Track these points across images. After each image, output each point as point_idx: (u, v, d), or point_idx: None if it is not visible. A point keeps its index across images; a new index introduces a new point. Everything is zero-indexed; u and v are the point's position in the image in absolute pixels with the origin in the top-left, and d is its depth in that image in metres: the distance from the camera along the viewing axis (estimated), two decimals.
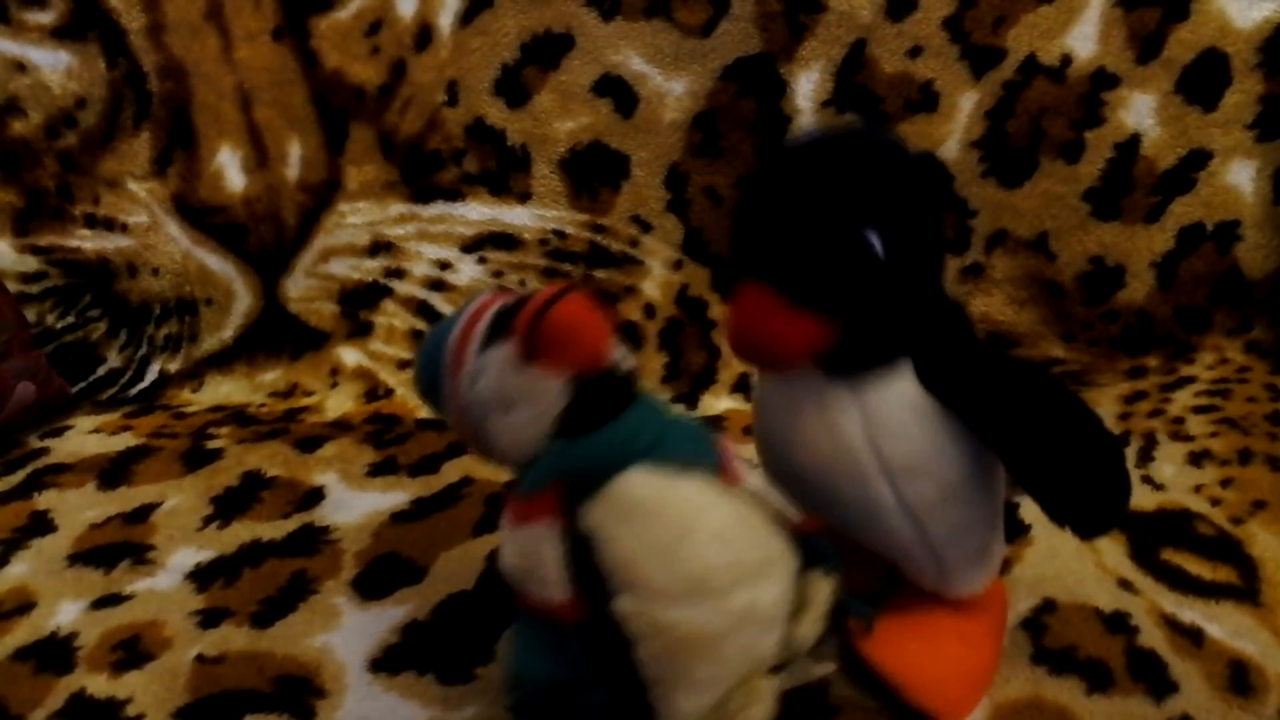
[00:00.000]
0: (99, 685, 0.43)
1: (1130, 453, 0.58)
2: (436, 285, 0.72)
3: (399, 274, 0.73)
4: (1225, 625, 0.43)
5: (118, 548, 0.53)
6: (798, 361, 0.33)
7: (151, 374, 0.75)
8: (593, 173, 0.70)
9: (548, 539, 0.32)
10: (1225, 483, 0.54)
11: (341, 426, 0.67)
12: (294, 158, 0.71)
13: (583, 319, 0.32)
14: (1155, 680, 0.40)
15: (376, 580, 0.49)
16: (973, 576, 0.38)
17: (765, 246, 0.32)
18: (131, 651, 0.45)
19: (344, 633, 0.45)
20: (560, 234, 0.71)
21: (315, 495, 0.57)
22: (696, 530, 0.31)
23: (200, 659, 0.44)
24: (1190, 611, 0.43)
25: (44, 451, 0.65)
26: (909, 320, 0.34)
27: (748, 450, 0.39)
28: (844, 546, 0.36)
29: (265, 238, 0.72)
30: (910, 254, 0.33)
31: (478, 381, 0.33)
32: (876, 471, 0.34)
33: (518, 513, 0.33)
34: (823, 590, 0.34)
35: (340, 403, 0.72)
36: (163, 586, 0.50)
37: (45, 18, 0.71)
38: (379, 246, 0.72)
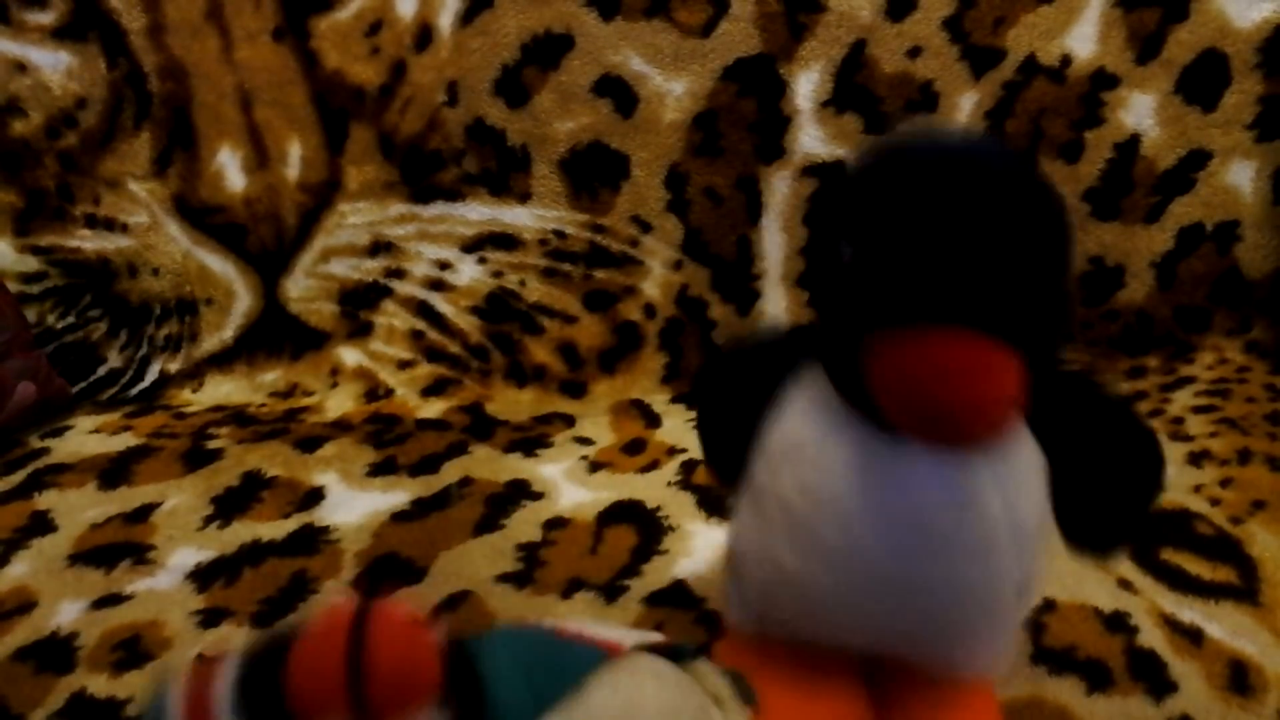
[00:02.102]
0: (99, 685, 0.43)
1: None
2: (436, 285, 0.72)
3: (399, 274, 0.73)
4: (1225, 625, 0.43)
5: (118, 548, 0.53)
6: (1000, 424, 0.26)
7: (152, 374, 0.75)
8: (593, 173, 0.71)
9: None
10: (1225, 483, 0.54)
11: (341, 426, 0.67)
12: (294, 158, 0.71)
13: (399, 631, 0.23)
14: (1155, 680, 0.40)
15: (377, 580, 0.49)
16: (1012, 649, 0.33)
17: (977, 283, 0.25)
18: (132, 651, 0.45)
19: None
20: (560, 234, 0.71)
21: (315, 495, 0.57)
22: None
23: (201, 659, 0.44)
24: (1190, 611, 0.43)
25: (44, 451, 0.65)
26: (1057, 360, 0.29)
27: None
28: (826, 671, 0.32)
29: (265, 238, 0.72)
30: (1070, 289, 0.29)
31: None
32: (1009, 543, 0.29)
33: None
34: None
35: (340, 403, 0.72)
36: (163, 586, 0.50)
37: (45, 18, 0.71)
38: (379, 246, 0.72)
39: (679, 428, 0.66)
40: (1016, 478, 0.29)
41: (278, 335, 0.74)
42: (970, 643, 0.31)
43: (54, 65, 0.71)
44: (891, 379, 0.26)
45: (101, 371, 0.75)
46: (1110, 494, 0.30)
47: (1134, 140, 0.67)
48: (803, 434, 0.30)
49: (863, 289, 0.26)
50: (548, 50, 0.69)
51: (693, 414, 0.68)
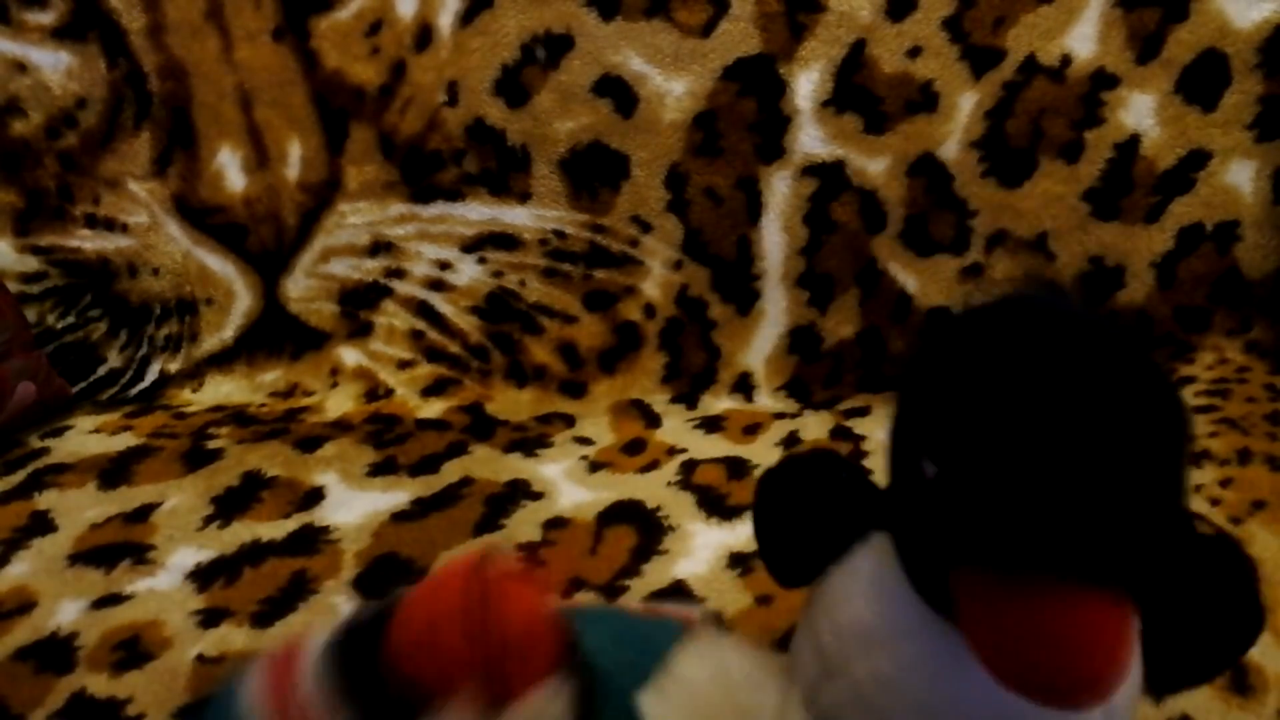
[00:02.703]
0: (99, 685, 0.43)
1: None
2: (436, 285, 0.72)
3: (399, 274, 0.73)
4: None
5: (118, 548, 0.53)
6: (1118, 678, 0.22)
7: (151, 374, 0.75)
8: (593, 173, 0.71)
9: None
10: (1225, 483, 0.54)
11: (341, 426, 0.67)
12: (294, 158, 0.71)
13: (523, 591, 0.23)
14: (1155, 680, 0.40)
15: (376, 580, 0.49)
16: None
17: (1087, 528, 0.21)
18: (131, 651, 0.45)
19: None
20: (560, 234, 0.71)
21: (315, 495, 0.57)
22: (742, 703, 0.27)
23: (200, 659, 0.44)
24: None
25: (44, 451, 0.65)
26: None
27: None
28: None
29: (265, 238, 0.72)
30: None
31: None
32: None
33: None
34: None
35: (340, 403, 0.72)
36: (163, 586, 0.50)
37: (45, 18, 0.71)
38: (379, 246, 0.72)
39: (679, 428, 0.66)
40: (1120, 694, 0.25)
41: (278, 335, 0.74)
42: None
43: (54, 65, 0.71)
44: (986, 633, 0.22)
45: (101, 371, 0.75)
46: (1199, 647, 0.27)
47: (1134, 140, 0.67)
48: (877, 621, 0.28)
49: (949, 518, 0.23)
50: (548, 50, 0.69)
51: (692, 414, 0.68)
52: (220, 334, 0.75)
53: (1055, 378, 0.21)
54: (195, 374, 0.75)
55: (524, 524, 0.53)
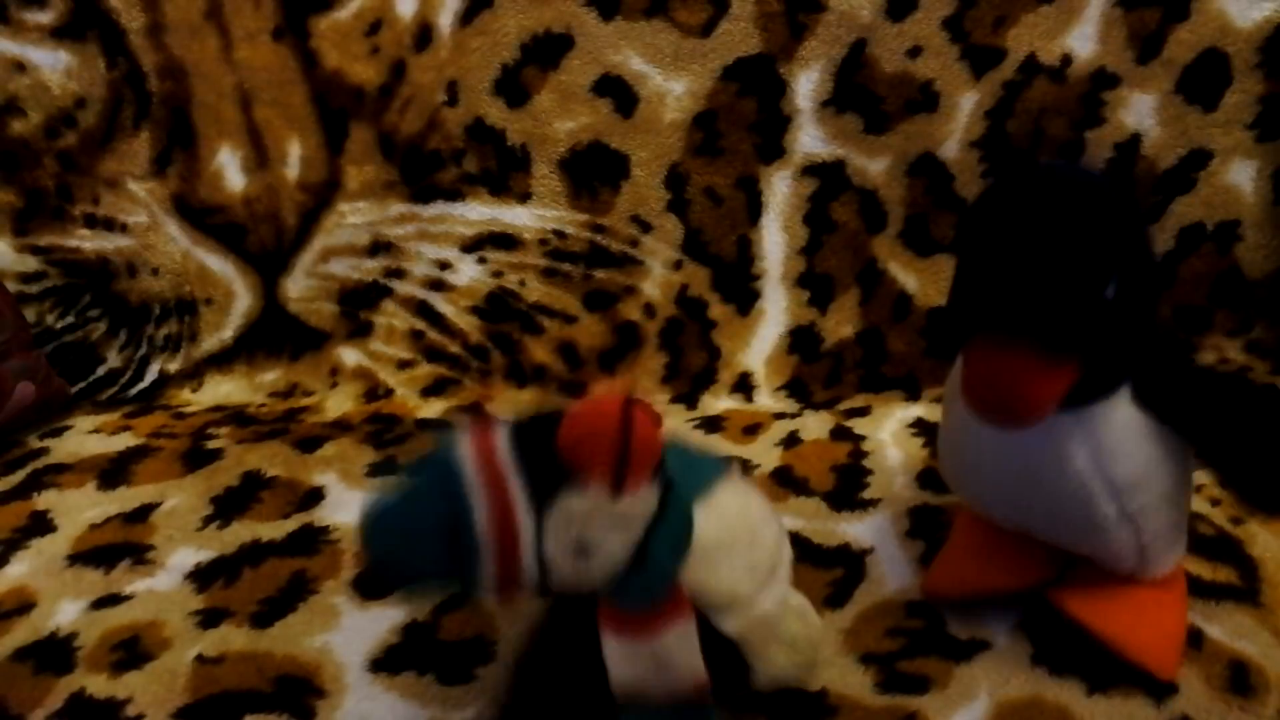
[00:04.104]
0: (99, 685, 0.43)
1: None
2: (436, 285, 0.72)
3: (399, 274, 0.73)
4: (1225, 626, 0.43)
5: (118, 548, 0.53)
6: (1043, 417, 0.34)
7: (151, 374, 0.75)
8: (593, 173, 0.70)
9: (688, 632, 0.33)
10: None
11: (341, 426, 0.67)
12: (294, 158, 0.71)
13: (650, 419, 0.32)
14: (1155, 681, 0.39)
15: (376, 580, 0.49)
16: (1169, 560, 0.41)
17: (1020, 303, 0.32)
18: (131, 651, 0.45)
19: (344, 633, 0.45)
20: (560, 234, 0.71)
21: (315, 495, 0.57)
22: (755, 530, 0.37)
23: (200, 659, 0.44)
24: (1190, 612, 0.43)
25: (44, 451, 0.65)
26: (1132, 351, 0.36)
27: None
28: (1023, 540, 0.41)
29: (265, 238, 0.72)
30: (1136, 293, 0.34)
31: (549, 542, 0.31)
32: (1103, 492, 0.37)
33: (649, 625, 0.33)
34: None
35: (340, 403, 0.72)
36: (163, 586, 0.50)
37: (45, 18, 0.71)
38: (379, 246, 0.72)
39: (679, 428, 0.66)
40: (1107, 442, 0.36)
41: (277, 335, 0.74)
42: (1108, 558, 0.40)
43: (53, 65, 0.71)
44: (965, 376, 0.34)
45: (101, 371, 0.75)
46: (1249, 457, 0.36)
47: (1134, 140, 0.67)
48: (949, 389, 0.41)
49: (962, 302, 0.34)
50: (548, 50, 0.69)
51: (692, 414, 0.68)
52: (220, 334, 0.75)
53: (1031, 216, 0.32)
54: (195, 374, 0.75)
55: None
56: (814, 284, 0.70)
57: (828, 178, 0.69)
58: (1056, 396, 0.33)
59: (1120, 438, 0.36)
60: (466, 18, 0.69)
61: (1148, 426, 0.36)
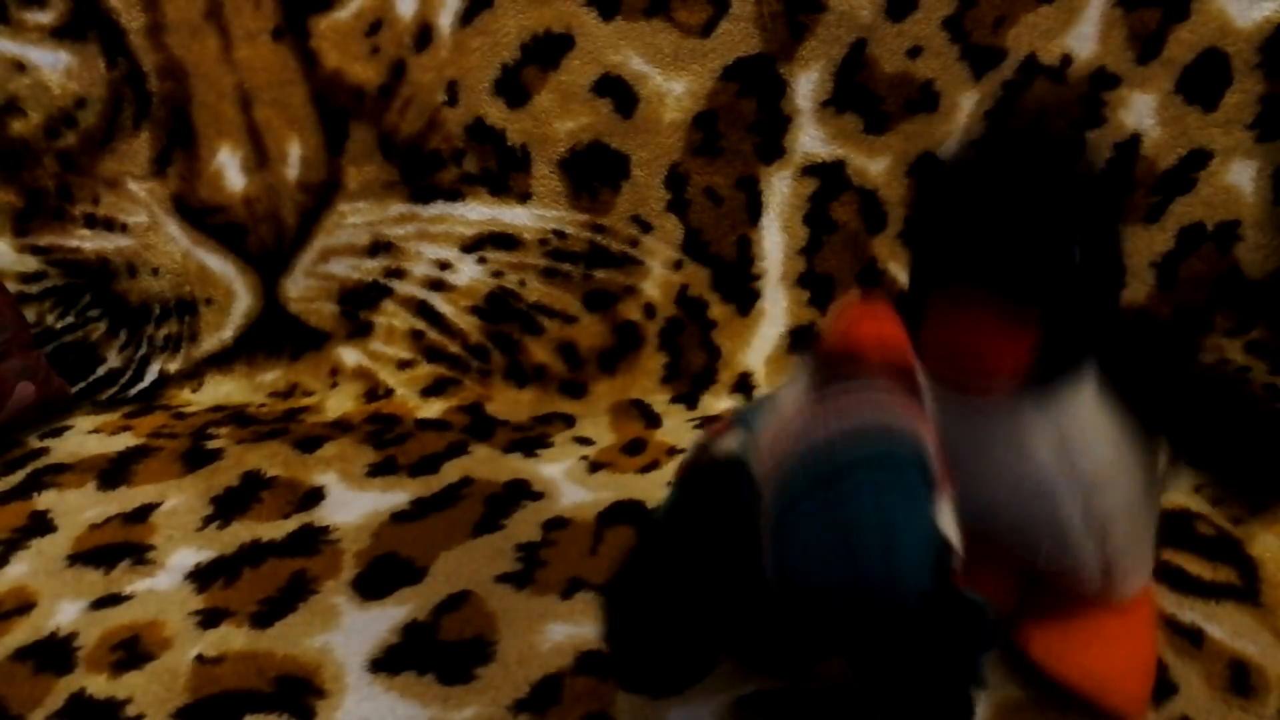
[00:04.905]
0: (99, 685, 0.43)
1: None
2: (436, 285, 0.72)
3: (399, 274, 0.73)
4: (1225, 626, 0.43)
5: (118, 548, 0.53)
6: (1006, 375, 0.33)
7: (151, 374, 0.75)
8: (593, 173, 0.70)
9: None
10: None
11: (341, 426, 0.67)
12: (294, 158, 0.71)
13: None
14: (1155, 681, 0.39)
15: (376, 580, 0.49)
16: (1136, 581, 0.39)
17: (984, 256, 0.32)
18: (131, 651, 0.45)
19: (344, 633, 0.45)
20: (560, 234, 0.71)
21: (315, 495, 0.57)
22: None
23: (200, 659, 0.44)
24: (1190, 612, 0.43)
25: (44, 451, 0.65)
26: (1095, 328, 0.35)
27: None
28: (981, 563, 0.37)
29: (265, 238, 0.72)
30: (1099, 264, 0.33)
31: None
32: (1068, 488, 0.35)
33: None
34: None
35: (340, 403, 0.72)
36: (163, 586, 0.50)
37: (45, 18, 0.71)
38: (379, 246, 0.72)
39: (679, 428, 0.66)
40: (1071, 432, 0.35)
41: (277, 335, 0.74)
42: (1070, 573, 0.38)
43: (53, 65, 0.71)
44: (926, 339, 0.33)
45: (101, 371, 0.75)
46: (1222, 449, 0.37)
47: (1134, 140, 0.67)
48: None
49: (922, 261, 0.35)
50: (548, 50, 0.69)
51: (693, 414, 0.68)
52: (220, 334, 0.75)
53: (996, 172, 0.32)
54: (195, 374, 0.75)
55: (524, 524, 0.53)
56: (814, 284, 0.70)
57: (828, 178, 0.69)
58: (1018, 358, 0.32)
59: (1084, 428, 0.35)
60: (466, 18, 0.69)
61: (1111, 423, 0.36)
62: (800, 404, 0.31)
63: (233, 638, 0.45)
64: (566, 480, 0.58)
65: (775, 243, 0.70)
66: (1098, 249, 0.33)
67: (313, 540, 0.53)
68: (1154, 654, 0.40)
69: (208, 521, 0.55)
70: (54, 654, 0.45)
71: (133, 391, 0.74)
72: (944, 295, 0.33)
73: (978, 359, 0.33)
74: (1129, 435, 0.36)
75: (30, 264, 0.74)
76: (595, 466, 0.60)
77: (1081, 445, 0.35)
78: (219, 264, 0.73)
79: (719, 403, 0.69)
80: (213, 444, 0.64)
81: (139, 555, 0.52)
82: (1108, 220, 0.35)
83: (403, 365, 0.73)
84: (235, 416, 0.70)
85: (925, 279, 0.34)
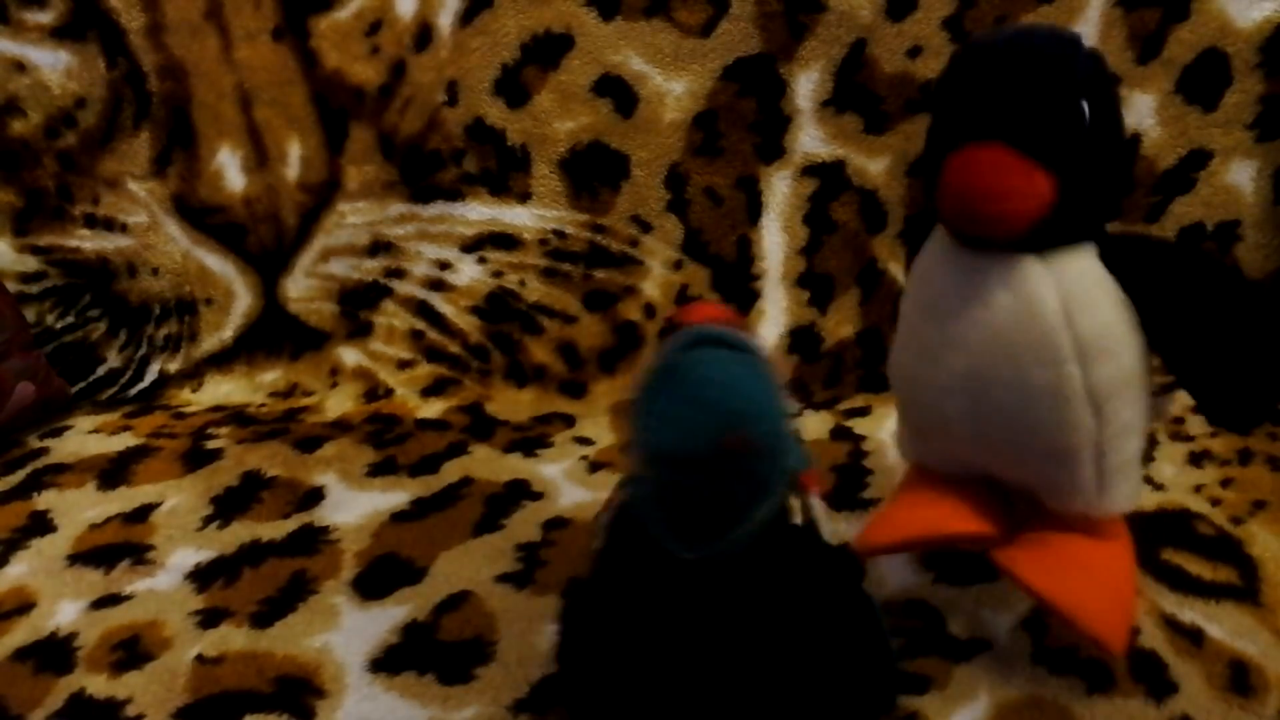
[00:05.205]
0: (99, 685, 0.43)
1: None
2: (436, 285, 0.72)
3: (399, 274, 0.73)
4: (1225, 625, 0.43)
5: (118, 548, 0.53)
6: (1023, 223, 0.34)
7: (151, 374, 0.75)
8: (593, 173, 0.70)
9: None
10: (1225, 483, 0.54)
11: (341, 426, 0.67)
12: (294, 158, 0.71)
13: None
14: (1155, 681, 0.40)
15: (376, 580, 0.49)
16: (1123, 490, 0.38)
17: (999, 108, 0.34)
18: (131, 651, 0.45)
19: (344, 633, 0.45)
20: (560, 234, 0.71)
21: (315, 495, 0.57)
22: None
23: (200, 659, 0.44)
24: (1190, 612, 0.43)
25: (44, 451, 0.65)
26: (1106, 196, 0.36)
27: None
28: (969, 489, 0.40)
29: (265, 238, 0.72)
30: (1107, 132, 0.35)
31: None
32: (1069, 348, 0.35)
33: None
34: None
35: (340, 403, 0.72)
36: (163, 586, 0.50)
37: (45, 17, 0.71)
38: (379, 246, 0.72)
39: None
40: (1076, 290, 0.35)
41: (277, 335, 0.74)
42: (1058, 462, 0.37)
43: (53, 65, 0.71)
44: (944, 187, 0.35)
45: (101, 371, 0.75)
46: (1233, 366, 0.36)
47: (1134, 140, 0.67)
48: (927, 262, 0.40)
49: (936, 124, 0.36)
50: (548, 50, 0.69)
51: None
52: (220, 334, 0.75)
53: (1005, 46, 0.35)
54: (195, 374, 0.75)
55: (524, 524, 0.53)
56: (814, 284, 0.70)
57: (828, 178, 0.69)
58: (1035, 199, 0.34)
59: (1091, 290, 0.35)
60: (466, 18, 0.69)
61: (1116, 289, 0.36)
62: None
63: (233, 638, 0.45)
64: (566, 480, 0.58)
65: (775, 243, 0.70)
66: (1105, 114, 0.35)
67: (313, 540, 0.53)
68: (1134, 590, 0.40)
69: (208, 521, 0.55)
70: (54, 654, 0.45)
71: (133, 391, 0.74)
72: (961, 149, 0.34)
73: (991, 200, 0.34)
74: (1131, 313, 0.36)
75: (30, 264, 0.74)
76: (595, 466, 0.60)
77: (1084, 303, 0.35)
78: (219, 264, 0.73)
79: None
80: (213, 444, 0.64)
81: (139, 555, 0.52)
82: (1113, 92, 0.36)
83: (403, 365, 0.73)
84: (235, 416, 0.70)
85: (943, 142, 0.35)
